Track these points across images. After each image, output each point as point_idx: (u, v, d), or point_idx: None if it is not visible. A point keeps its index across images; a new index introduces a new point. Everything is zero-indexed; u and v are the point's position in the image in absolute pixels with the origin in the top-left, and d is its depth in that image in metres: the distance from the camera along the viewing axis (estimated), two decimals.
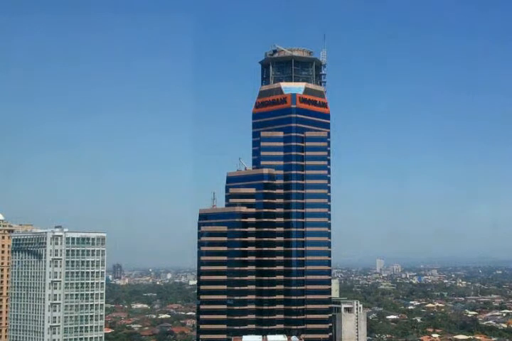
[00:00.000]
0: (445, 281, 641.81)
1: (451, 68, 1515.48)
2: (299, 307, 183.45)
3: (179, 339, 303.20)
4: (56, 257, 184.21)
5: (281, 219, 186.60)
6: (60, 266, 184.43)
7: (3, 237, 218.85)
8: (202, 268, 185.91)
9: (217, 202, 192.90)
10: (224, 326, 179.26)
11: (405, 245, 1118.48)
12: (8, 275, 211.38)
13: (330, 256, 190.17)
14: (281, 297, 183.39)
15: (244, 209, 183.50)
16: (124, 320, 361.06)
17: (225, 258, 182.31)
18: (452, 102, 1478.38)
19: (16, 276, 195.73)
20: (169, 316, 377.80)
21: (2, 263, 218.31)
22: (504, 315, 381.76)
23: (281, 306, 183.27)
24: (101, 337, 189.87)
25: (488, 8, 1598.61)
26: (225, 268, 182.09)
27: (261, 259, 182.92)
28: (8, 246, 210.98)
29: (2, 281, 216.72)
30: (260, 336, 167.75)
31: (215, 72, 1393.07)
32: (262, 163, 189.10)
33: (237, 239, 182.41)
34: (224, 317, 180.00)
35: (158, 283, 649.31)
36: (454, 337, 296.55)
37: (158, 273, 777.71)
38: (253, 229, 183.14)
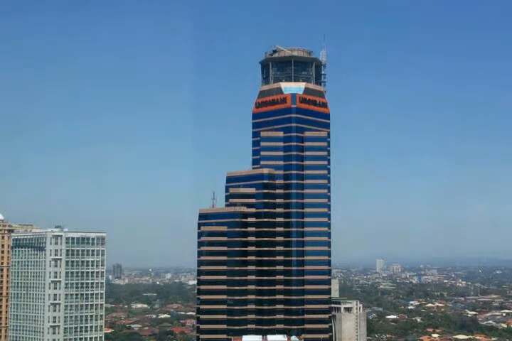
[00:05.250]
0: (445, 281, 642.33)
1: (452, 68, 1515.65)
2: (298, 307, 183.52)
3: (179, 339, 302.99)
4: (56, 257, 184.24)
5: (281, 219, 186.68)
6: (60, 266, 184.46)
7: (3, 237, 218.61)
8: (202, 268, 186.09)
9: (217, 202, 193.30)
10: (224, 326, 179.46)
11: (405, 245, 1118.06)
12: (8, 275, 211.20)
13: (330, 256, 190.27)
14: (281, 297, 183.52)
15: (244, 209, 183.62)
16: (124, 320, 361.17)
17: (225, 258, 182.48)
18: (453, 102, 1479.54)
19: (16, 276, 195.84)
20: (169, 316, 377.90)
21: (2, 263, 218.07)
22: (504, 315, 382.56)
23: (281, 306, 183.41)
24: (101, 337, 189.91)
25: (487, 2, 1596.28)
26: (225, 268, 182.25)
27: (261, 259, 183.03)
28: (8, 246, 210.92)
29: (2, 281, 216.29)
30: (260, 336, 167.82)
31: (215, 72, 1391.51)
32: (262, 162, 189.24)
33: (237, 238, 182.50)
34: (224, 317, 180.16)
35: (158, 283, 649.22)
36: (454, 337, 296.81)
37: (158, 273, 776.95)
38: (253, 229, 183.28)
